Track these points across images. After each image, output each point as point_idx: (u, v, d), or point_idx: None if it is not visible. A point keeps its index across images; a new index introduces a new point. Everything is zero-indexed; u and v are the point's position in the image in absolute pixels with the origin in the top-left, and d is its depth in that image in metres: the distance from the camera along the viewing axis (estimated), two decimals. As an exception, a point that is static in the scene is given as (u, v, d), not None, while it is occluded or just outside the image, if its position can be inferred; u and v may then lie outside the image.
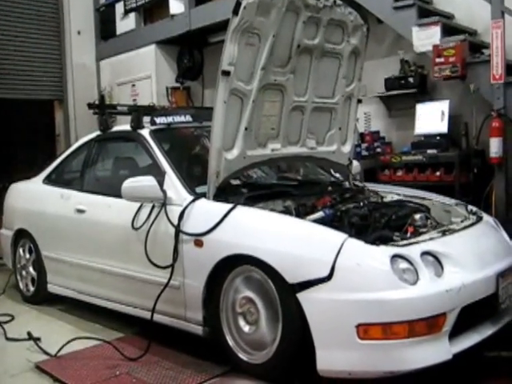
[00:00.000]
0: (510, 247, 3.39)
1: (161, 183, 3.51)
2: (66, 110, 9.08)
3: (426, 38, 5.31)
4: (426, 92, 5.91)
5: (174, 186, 3.56)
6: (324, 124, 4.08)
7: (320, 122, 4.03)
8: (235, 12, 3.15)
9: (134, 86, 8.43)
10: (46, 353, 3.61)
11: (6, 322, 4.26)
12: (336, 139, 4.16)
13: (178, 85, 8.28)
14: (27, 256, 4.92)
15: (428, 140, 5.60)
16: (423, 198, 3.90)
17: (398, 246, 2.85)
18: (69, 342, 3.66)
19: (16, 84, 8.47)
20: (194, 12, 7.43)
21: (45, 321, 4.39)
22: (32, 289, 4.87)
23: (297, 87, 3.71)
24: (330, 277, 2.69)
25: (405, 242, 2.93)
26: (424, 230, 3.23)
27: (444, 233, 3.14)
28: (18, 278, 5.05)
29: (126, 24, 8.67)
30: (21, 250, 5.00)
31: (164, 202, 3.49)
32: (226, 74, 3.21)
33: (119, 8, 8.71)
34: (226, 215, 3.19)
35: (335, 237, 2.83)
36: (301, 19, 3.49)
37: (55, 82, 9.03)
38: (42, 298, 4.78)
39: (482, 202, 4.99)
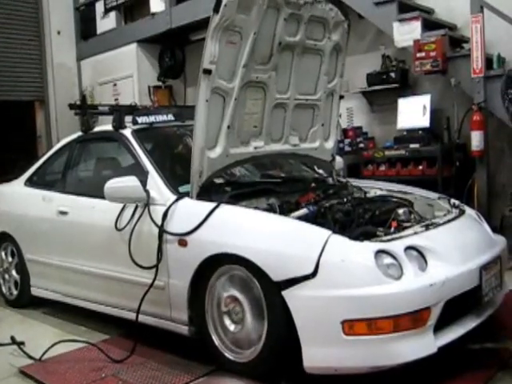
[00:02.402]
0: (492, 240, 3.42)
1: (144, 183, 3.49)
2: (47, 110, 9.02)
3: (406, 32, 5.35)
4: (407, 87, 5.96)
5: (156, 185, 3.54)
6: (307, 121, 4.09)
7: (302, 119, 4.03)
8: (216, 10, 3.13)
9: (115, 85, 8.40)
10: (30, 357, 3.57)
11: (-11, 327, 4.23)
12: (319, 135, 4.16)
13: (159, 84, 8.26)
14: (10, 259, 4.86)
15: (410, 134, 5.65)
16: (406, 193, 3.92)
17: (381, 241, 2.86)
18: (53, 345, 3.62)
19: (-4, 85, 8.41)
20: (175, 10, 7.42)
21: (28, 324, 4.35)
22: (15, 292, 4.81)
23: (279, 84, 3.70)
24: (314, 274, 2.69)
25: (388, 237, 2.94)
26: (407, 224, 3.24)
27: (427, 227, 3.15)
28: (1, 281, 4.98)
29: (106, 23, 8.64)
30: (3, 254, 4.93)
31: (147, 202, 3.46)
32: (208, 72, 3.20)
33: (99, 7, 8.69)
34: (209, 214, 3.18)
35: (319, 233, 2.83)
36: (282, 16, 3.48)
37: (36, 83, 8.96)
38: (25, 301, 4.73)
39: (464, 195, 5.03)
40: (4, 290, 4.94)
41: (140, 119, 4.07)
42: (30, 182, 4.85)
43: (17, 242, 4.71)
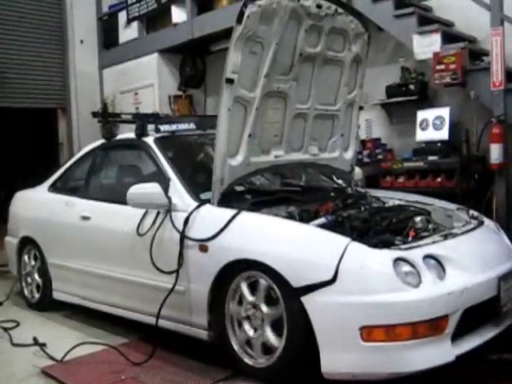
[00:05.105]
0: (511, 251, 3.43)
1: (166, 190, 3.56)
2: (69, 118, 9.14)
3: (426, 45, 5.36)
4: (426, 99, 5.95)
5: (178, 192, 3.60)
6: (326, 131, 4.12)
7: (322, 129, 4.08)
8: (239, 21, 3.20)
9: (136, 94, 8.48)
10: (51, 358, 3.64)
11: (12, 328, 4.30)
12: (338, 146, 4.20)
13: (180, 93, 8.33)
14: (32, 263, 4.95)
15: (429, 146, 5.64)
16: (425, 203, 3.94)
17: (400, 249, 2.89)
18: (74, 347, 3.69)
19: (19, 93, 8.55)
20: (197, 21, 7.50)
21: (50, 326, 4.42)
22: (37, 295, 4.90)
23: (299, 94, 3.75)
24: (333, 280, 2.73)
25: (407, 245, 2.97)
26: (425, 233, 3.26)
27: (446, 236, 3.18)
28: (23, 284, 5.08)
29: (128, 33, 8.73)
30: (26, 257, 5.03)
31: (169, 209, 3.53)
32: (230, 81, 3.26)
33: (122, 17, 8.79)
34: (230, 220, 3.23)
35: (339, 241, 2.86)
36: (303, 27, 3.54)
37: (58, 91, 9.10)
38: (47, 304, 4.81)
39: (482, 208, 5.01)
40: (26, 292, 5.04)
41: (162, 127, 4.14)
42: (54, 188, 4.94)
43: (40, 246, 4.80)
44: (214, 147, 3.40)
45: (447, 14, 5.90)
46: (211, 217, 3.38)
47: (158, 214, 3.61)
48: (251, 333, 3.15)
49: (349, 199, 3.95)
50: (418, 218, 3.36)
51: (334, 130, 4.15)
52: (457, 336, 2.77)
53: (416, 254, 2.84)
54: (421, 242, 3.03)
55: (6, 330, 4.25)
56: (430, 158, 5.50)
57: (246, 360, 3.17)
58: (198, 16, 7.54)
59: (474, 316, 2.83)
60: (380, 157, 6.21)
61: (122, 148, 4.58)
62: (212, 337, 3.35)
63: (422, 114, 5.77)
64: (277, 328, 3.01)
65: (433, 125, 5.65)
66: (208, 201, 3.45)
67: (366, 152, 6.24)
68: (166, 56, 8.25)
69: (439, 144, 5.59)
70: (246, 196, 3.60)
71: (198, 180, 3.89)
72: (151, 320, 3.61)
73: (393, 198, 4.11)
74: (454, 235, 3.23)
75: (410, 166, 5.59)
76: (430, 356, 2.67)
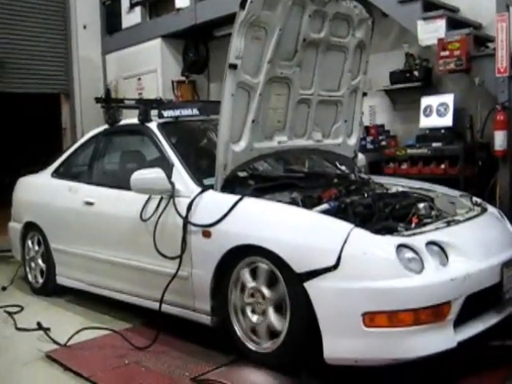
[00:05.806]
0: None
1: (169, 175, 3.56)
2: (73, 103, 9.12)
3: (430, 31, 5.33)
4: (430, 85, 5.93)
5: (181, 178, 3.61)
6: (330, 117, 4.12)
7: (326, 115, 4.07)
8: (242, 6, 3.18)
9: (139, 79, 8.46)
10: (55, 342, 3.66)
11: (16, 313, 4.33)
12: (342, 132, 4.20)
13: (183, 78, 8.31)
14: (36, 248, 4.97)
15: (433, 133, 5.63)
16: (428, 190, 3.94)
17: (403, 235, 2.90)
18: (78, 331, 3.71)
19: (22, 78, 8.52)
20: (200, 6, 7.46)
21: (54, 311, 4.46)
22: (41, 280, 4.93)
23: (303, 80, 3.74)
24: (336, 266, 2.74)
25: (410, 232, 2.97)
26: (428, 220, 3.26)
27: (449, 223, 3.18)
28: (27, 269, 5.11)
29: (131, 18, 8.68)
30: (30, 243, 5.05)
31: (172, 194, 3.53)
32: (233, 67, 3.25)
33: (125, 2, 8.74)
34: (233, 206, 3.24)
35: (342, 227, 2.87)
36: (307, 13, 3.52)
37: (61, 76, 9.07)
38: (50, 289, 4.84)
39: (486, 195, 5.01)
40: (30, 277, 5.06)
41: (166, 113, 4.13)
42: (57, 173, 4.95)
43: (43, 232, 4.82)
44: (217, 133, 3.41)
45: (452, -1, 5.86)
46: (214, 202, 3.38)
47: (161, 199, 3.62)
48: (254, 318, 3.16)
49: (352, 185, 3.95)
50: (421, 205, 3.37)
51: (337, 116, 4.15)
52: (459, 322, 2.78)
53: (419, 241, 2.85)
54: (424, 229, 3.04)
55: (10, 314, 4.28)
56: (434, 144, 5.50)
57: (249, 345, 3.18)
58: (201, 1, 7.49)
59: (476, 302, 2.84)
60: (383, 143, 6.19)
61: (125, 133, 4.58)
62: (215, 322, 3.37)
63: (425, 101, 5.75)
64: (280, 313, 3.03)
65: (437, 111, 5.65)
66: (211, 186, 3.45)
67: (369, 138, 6.23)
68: (169, 41, 8.22)
69: (443, 131, 5.58)
70: (249, 182, 3.59)
71: (201, 166, 3.89)
72: (154, 305, 3.63)
73: (396, 185, 4.12)
74: (457, 222, 3.23)
75: (414, 153, 5.59)
76: (432, 342, 2.68)
